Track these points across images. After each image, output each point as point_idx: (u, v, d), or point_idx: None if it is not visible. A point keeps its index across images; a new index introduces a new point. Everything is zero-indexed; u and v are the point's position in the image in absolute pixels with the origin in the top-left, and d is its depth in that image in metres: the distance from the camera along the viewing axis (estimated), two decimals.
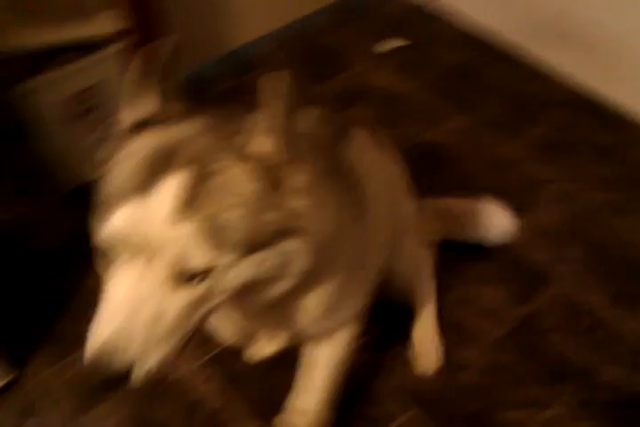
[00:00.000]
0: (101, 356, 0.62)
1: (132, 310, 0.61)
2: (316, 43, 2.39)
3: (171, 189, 0.61)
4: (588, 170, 1.99)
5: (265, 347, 1.37)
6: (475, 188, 1.91)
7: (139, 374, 0.64)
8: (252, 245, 0.65)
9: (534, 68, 2.30)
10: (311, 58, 2.33)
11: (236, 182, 0.63)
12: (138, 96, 0.69)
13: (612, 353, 1.57)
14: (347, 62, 2.32)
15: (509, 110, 2.16)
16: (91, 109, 1.68)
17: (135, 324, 0.62)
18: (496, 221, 1.64)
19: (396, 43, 2.37)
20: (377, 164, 1.17)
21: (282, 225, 0.67)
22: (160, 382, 1.47)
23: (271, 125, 0.65)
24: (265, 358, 1.42)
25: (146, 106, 0.69)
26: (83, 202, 1.73)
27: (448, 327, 1.60)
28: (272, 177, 0.66)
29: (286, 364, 1.33)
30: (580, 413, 1.47)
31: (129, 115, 0.70)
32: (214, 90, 2.17)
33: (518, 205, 1.85)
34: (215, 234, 0.62)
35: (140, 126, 0.68)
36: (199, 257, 0.62)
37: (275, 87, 0.63)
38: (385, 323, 1.58)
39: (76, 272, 1.69)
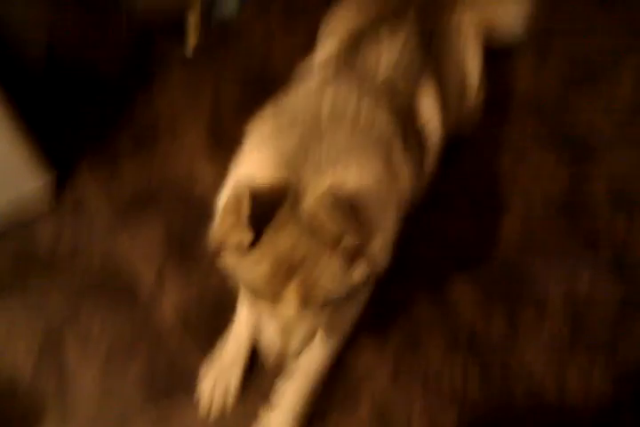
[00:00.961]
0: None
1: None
2: None
3: (292, 294, 0.94)
4: None
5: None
6: (548, 50, 1.86)
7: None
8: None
9: None
10: None
11: (332, 272, 0.95)
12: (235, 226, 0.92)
13: None
14: None
15: None
16: None
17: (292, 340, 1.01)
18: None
19: None
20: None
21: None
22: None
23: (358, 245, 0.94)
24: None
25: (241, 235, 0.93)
26: (150, 32, 1.82)
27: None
28: (358, 256, 0.97)
29: None
30: None
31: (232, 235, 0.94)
32: None
33: (593, 75, 1.81)
34: (324, 305, 0.98)
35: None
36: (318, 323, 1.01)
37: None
38: None
39: (133, 96, 1.73)
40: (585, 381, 1.35)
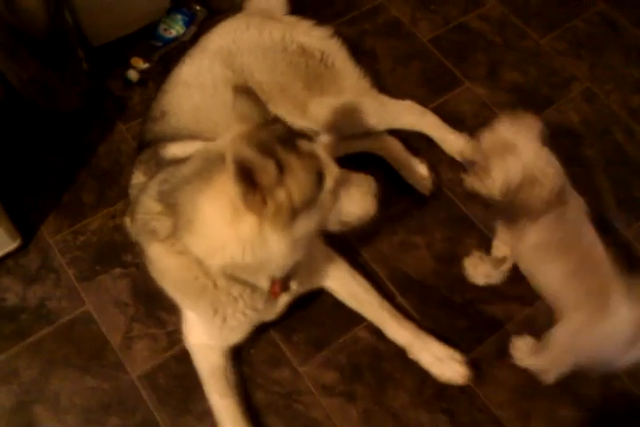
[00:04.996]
0: None
1: None
2: None
3: None
4: (622, 71, 1.92)
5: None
6: (498, 79, 1.87)
7: None
8: None
9: None
10: None
11: None
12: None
13: None
14: None
15: (551, 3, 2.05)
16: None
17: None
18: None
19: None
20: None
21: None
22: None
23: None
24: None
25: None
26: (102, 63, 1.78)
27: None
28: None
29: None
30: None
31: None
32: None
33: (540, 102, 1.83)
34: None
35: None
36: None
37: None
38: None
39: (90, 138, 1.71)
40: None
